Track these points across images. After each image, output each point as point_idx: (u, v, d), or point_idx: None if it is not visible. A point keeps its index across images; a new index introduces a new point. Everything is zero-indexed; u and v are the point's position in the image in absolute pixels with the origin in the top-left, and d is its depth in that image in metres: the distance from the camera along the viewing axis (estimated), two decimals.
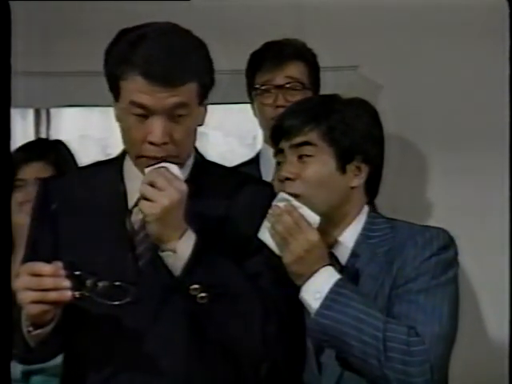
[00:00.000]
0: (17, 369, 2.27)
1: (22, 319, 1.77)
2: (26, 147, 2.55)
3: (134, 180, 1.88)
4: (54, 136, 3.39)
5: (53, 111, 3.53)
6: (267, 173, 2.66)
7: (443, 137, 2.94)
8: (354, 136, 1.97)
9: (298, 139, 1.96)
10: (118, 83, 1.80)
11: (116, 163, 1.96)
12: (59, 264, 1.69)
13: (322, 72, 2.72)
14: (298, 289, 1.89)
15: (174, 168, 1.79)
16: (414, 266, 1.87)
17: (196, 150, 1.97)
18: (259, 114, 2.71)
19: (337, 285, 1.83)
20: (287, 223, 1.84)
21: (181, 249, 1.76)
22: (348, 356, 1.83)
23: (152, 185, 1.74)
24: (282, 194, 1.89)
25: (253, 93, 2.70)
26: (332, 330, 1.81)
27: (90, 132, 3.61)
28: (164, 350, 1.83)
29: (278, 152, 2.03)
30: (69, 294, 1.67)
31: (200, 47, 1.84)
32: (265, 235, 1.88)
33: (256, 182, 2.08)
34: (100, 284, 1.72)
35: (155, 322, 1.83)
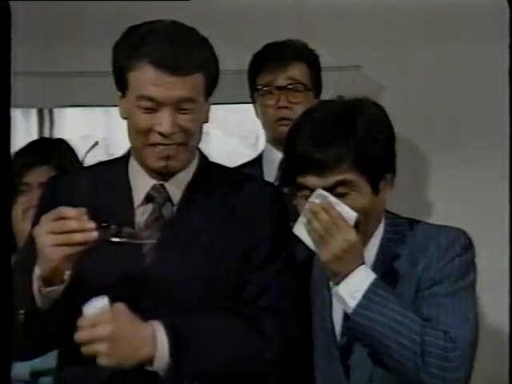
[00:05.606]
0: (25, 370, 2.26)
1: (34, 277, 1.74)
2: (30, 149, 2.55)
3: (140, 179, 1.90)
4: (57, 136, 3.39)
5: (56, 111, 3.54)
6: (270, 173, 2.68)
7: (444, 136, 2.95)
8: (380, 153, 1.90)
9: (334, 179, 1.85)
10: (127, 76, 1.82)
11: (121, 163, 1.97)
12: (82, 209, 1.70)
13: (325, 72, 2.72)
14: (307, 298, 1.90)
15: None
16: (438, 268, 1.86)
17: (200, 151, 1.98)
18: (261, 114, 2.71)
19: (374, 284, 1.81)
20: (325, 221, 1.81)
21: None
22: (384, 357, 1.82)
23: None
24: (318, 190, 1.84)
25: (255, 94, 2.70)
26: (369, 329, 1.79)
27: (93, 132, 3.63)
28: None
29: (303, 187, 1.89)
30: (94, 234, 1.68)
31: (205, 43, 1.87)
32: (300, 231, 1.86)
33: (260, 184, 2.08)
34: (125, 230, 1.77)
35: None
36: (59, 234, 1.67)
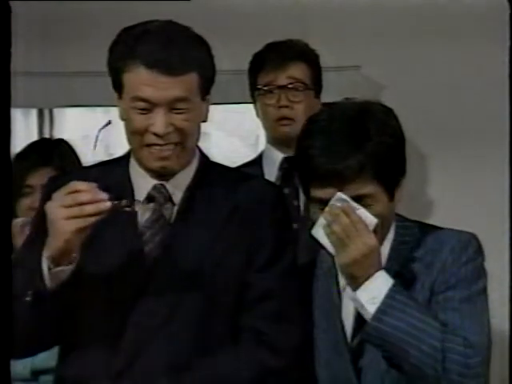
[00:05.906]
0: (26, 368, 2.28)
1: (43, 257, 1.74)
2: (31, 151, 2.55)
3: (140, 179, 1.90)
4: (57, 136, 3.40)
5: (56, 111, 3.54)
6: (270, 173, 2.68)
7: (444, 136, 2.95)
8: (395, 160, 1.87)
9: (353, 193, 1.82)
10: (122, 77, 1.83)
11: (122, 163, 1.97)
12: (94, 184, 1.72)
13: (325, 72, 2.73)
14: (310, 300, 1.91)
15: None
16: (452, 271, 1.85)
17: (200, 151, 1.98)
18: (262, 114, 2.71)
19: (392, 290, 1.79)
20: (345, 224, 1.78)
21: None
22: (402, 362, 1.79)
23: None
24: (339, 194, 1.81)
25: (255, 93, 2.71)
26: (389, 336, 1.77)
27: (93, 132, 3.62)
28: (173, 348, 1.83)
29: (319, 200, 1.85)
30: (108, 203, 1.69)
31: (201, 42, 1.87)
32: (319, 233, 1.83)
33: (261, 184, 2.07)
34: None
35: (165, 323, 1.83)
36: (72, 206, 1.69)
